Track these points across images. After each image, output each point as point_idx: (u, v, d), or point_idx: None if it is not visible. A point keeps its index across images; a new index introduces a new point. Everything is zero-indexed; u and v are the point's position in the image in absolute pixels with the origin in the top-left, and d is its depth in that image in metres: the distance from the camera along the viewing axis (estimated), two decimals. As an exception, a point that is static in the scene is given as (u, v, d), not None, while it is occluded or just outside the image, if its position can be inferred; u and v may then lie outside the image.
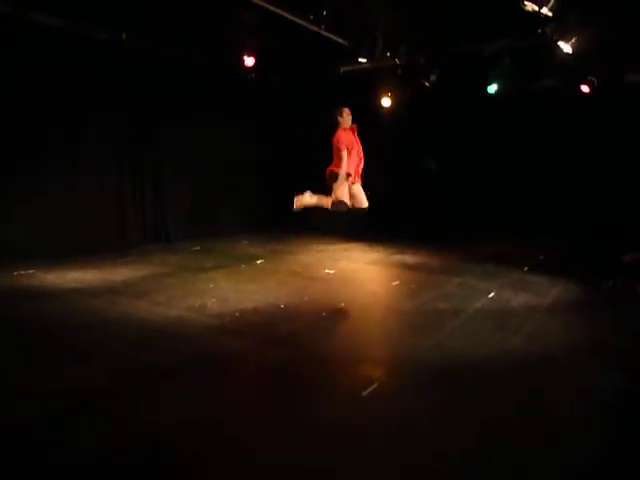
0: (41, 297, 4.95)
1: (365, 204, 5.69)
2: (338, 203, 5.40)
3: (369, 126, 9.74)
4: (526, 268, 6.59)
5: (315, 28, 6.53)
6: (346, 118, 5.41)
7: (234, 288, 5.45)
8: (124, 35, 6.76)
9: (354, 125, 5.47)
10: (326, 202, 5.50)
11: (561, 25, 5.69)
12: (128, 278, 5.81)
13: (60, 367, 3.35)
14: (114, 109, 7.59)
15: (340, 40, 7.09)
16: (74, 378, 3.19)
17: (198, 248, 7.96)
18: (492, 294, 5.32)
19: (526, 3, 5.20)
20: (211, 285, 5.56)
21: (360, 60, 7.62)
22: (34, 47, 6.42)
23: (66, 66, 6.85)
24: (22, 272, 5.82)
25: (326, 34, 6.71)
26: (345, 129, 5.44)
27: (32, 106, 6.65)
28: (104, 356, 3.58)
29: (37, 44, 6.39)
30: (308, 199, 5.59)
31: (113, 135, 7.71)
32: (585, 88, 7.69)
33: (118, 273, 6.04)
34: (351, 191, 5.52)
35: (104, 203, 7.70)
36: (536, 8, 5.23)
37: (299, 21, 6.33)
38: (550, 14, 5.27)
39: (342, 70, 8.20)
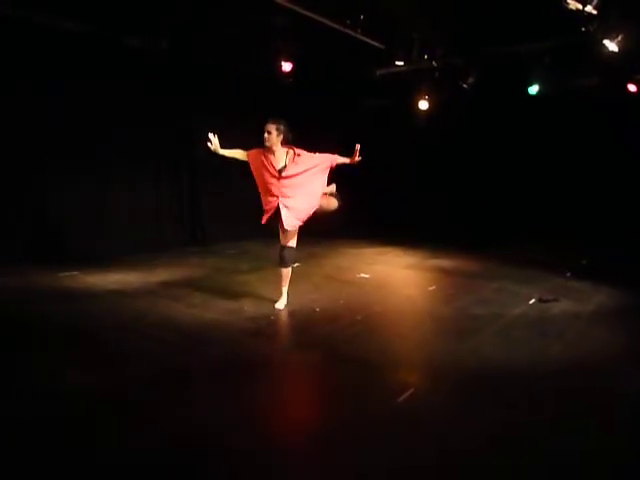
0: (82, 298, 5.09)
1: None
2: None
3: (406, 129, 9.81)
4: (569, 274, 6.39)
5: (351, 32, 6.53)
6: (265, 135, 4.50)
7: (269, 291, 5.47)
8: (164, 43, 6.94)
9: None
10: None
11: (606, 23, 5.50)
12: (166, 280, 5.93)
13: (96, 367, 3.43)
14: (151, 111, 7.74)
15: (376, 43, 7.07)
16: (109, 378, 3.26)
17: (233, 251, 8.05)
18: (532, 300, 5.17)
19: (569, 1, 5.05)
20: (246, 288, 5.61)
21: (397, 63, 7.58)
22: (77, 52, 6.63)
23: (105, 69, 7.04)
24: (66, 273, 6.02)
25: (362, 37, 6.70)
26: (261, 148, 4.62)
27: (69, 108, 6.85)
28: (140, 357, 3.65)
29: (79, 49, 6.60)
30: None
31: (150, 137, 7.86)
32: (632, 87, 7.41)
33: (157, 275, 6.17)
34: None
35: (142, 206, 7.89)
36: (580, 6, 5.08)
37: (335, 25, 6.34)
38: (594, 12, 5.11)
39: (378, 73, 8.17)
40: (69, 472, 2.31)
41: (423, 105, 8.92)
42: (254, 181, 5.08)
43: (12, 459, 2.37)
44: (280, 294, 4.89)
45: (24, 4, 5.69)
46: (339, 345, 3.97)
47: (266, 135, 4.49)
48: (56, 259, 6.45)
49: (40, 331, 4.15)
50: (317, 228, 9.40)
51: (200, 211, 8.67)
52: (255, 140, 9.16)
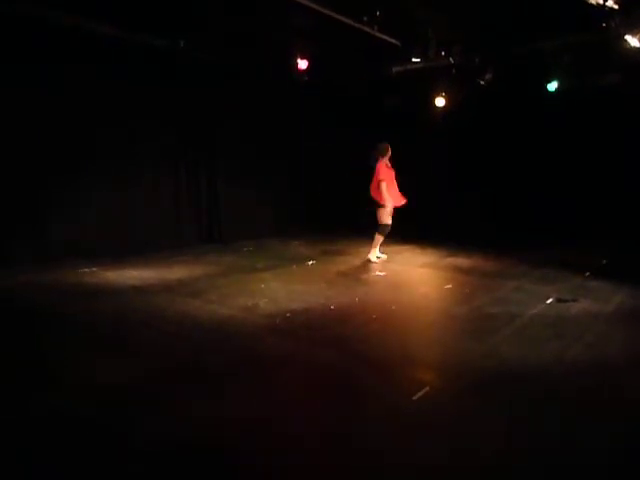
0: (102, 294, 5.18)
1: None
2: (385, 226, 7.05)
3: (421, 130, 9.75)
4: (587, 273, 6.29)
5: (368, 29, 6.50)
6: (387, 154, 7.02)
7: (285, 288, 5.50)
8: (182, 42, 6.99)
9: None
10: (378, 238, 7.11)
11: (628, 18, 5.40)
12: (183, 277, 5.99)
13: (113, 362, 3.49)
14: (168, 110, 7.83)
15: (393, 40, 7.03)
16: (126, 372, 3.31)
17: (250, 248, 8.10)
18: (550, 300, 5.11)
19: (590, -4, 4.98)
20: (262, 285, 5.64)
21: (413, 60, 7.53)
22: (95, 51, 6.70)
23: (124, 69, 7.12)
24: (85, 270, 6.11)
25: (379, 35, 6.68)
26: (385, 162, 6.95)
27: (87, 107, 6.94)
28: (157, 353, 3.70)
29: (100, 49, 6.66)
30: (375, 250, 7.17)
31: (168, 136, 7.95)
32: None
33: (174, 272, 6.24)
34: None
35: (161, 204, 7.98)
36: (601, 1, 5.00)
37: (352, 23, 6.33)
38: (616, 7, 5.02)
39: (394, 70, 8.13)
40: (84, 468, 2.35)
41: (440, 102, 8.86)
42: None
43: (25, 454, 2.42)
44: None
45: (39, 2, 5.76)
46: (354, 343, 3.97)
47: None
48: (74, 258, 6.55)
49: (60, 326, 4.23)
50: (331, 226, 9.48)
51: (218, 209, 8.73)
52: (269, 136, 9.27)
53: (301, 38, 7.03)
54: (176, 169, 8.22)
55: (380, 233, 7.09)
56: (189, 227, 8.42)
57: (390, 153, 7.07)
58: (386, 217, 7.05)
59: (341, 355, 3.70)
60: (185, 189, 8.36)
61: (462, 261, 7.26)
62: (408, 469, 2.34)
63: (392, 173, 7.10)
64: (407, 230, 8.76)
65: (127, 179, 7.55)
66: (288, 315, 4.56)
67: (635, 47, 5.72)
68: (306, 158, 9.94)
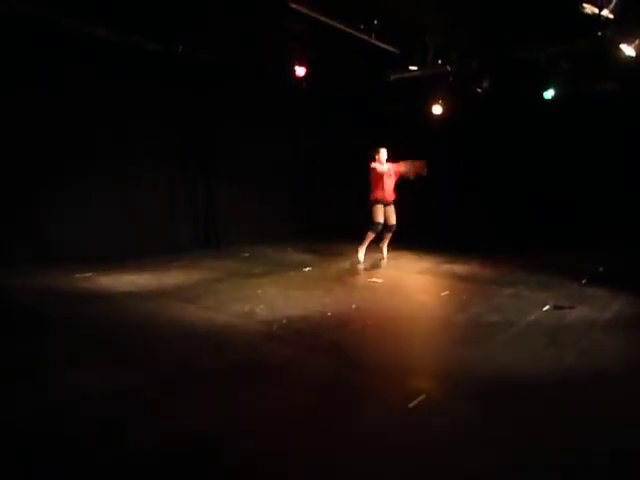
0: (97, 299, 5.14)
1: (393, 222, 7.34)
2: (377, 225, 7.19)
3: (419, 134, 9.78)
4: (584, 280, 6.31)
5: (365, 37, 6.53)
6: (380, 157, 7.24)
7: (282, 295, 5.49)
8: (180, 47, 7.01)
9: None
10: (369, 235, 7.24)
11: (624, 27, 5.44)
12: (180, 282, 5.97)
13: (110, 368, 3.47)
14: (166, 113, 7.83)
15: (390, 48, 7.06)
16: (123, 379, 3.29)
17: (247, 254, 8.08)
18: (547, 307, 5.12)
19: (585, 6, 5.01)
20: (259, 291, 5.63)
21: (410, 68, 7.56)
22: (95, 54, 6.70)
23: (124, 69, 7.12)
24: (81, 275, 6.08)
25: (376, 42, 6.70)
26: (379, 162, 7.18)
27: (84, 108, 6.92)
28: (154, 359, 3.68)
29: (100, 49, 6.65)
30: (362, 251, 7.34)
31: (166, 139, 7.95)
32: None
33: (170, 277, 6.22)
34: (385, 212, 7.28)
35: (160, 206, 7.97)
36: (596, 11, 5.03)
37: (349, 30, 6.35)
38: (611, 16, 5.06)
39: (392, 78, 8.16)
40: (83, 469, 2.34)
41: (437, 110, 8.89)
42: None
43: (20, 458, 2.41)
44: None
45: (41, 3, 5.75)
46: (351, 350, 3.96)
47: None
48: (71, 260, 6.52)
49: (56, 332, 4.20)
50: (329, 231, 9.49)
51: (214, 213, 8.72)
52: (269, 136, 9.27)
53: (299, 44, 7.06)
54: (175, 170, 8.20)
55: (372, 231, 7.25)
56: (187, 230, 8.40)
57: (381, 155, 7.29)
58: (377, 216, 7.21)
59: (338, 361, 3.70)
60: (184, 191, 8.35)
61: (459, 267, 7.27)
62: (406, 470, 2.34)
63: (385, 172, 7.24)
64: (405, 235, 8.78)
65: (127, 179, 7.53)
66: (285, 321, 4.54)
67: (630, 56, 5.76)
68: (306, 158, 9.94)
